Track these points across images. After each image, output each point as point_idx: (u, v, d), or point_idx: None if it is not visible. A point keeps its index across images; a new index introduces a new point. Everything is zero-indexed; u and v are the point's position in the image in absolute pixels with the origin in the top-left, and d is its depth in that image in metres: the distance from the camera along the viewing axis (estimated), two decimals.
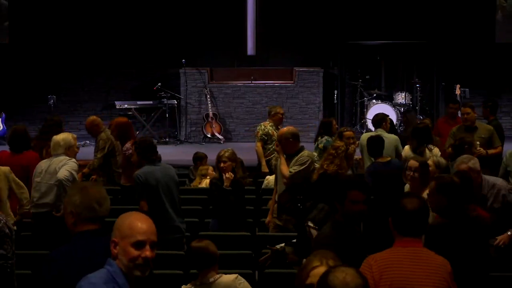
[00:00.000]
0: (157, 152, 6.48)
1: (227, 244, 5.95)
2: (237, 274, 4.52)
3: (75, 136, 6.74)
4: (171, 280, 5.27)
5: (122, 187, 7.83)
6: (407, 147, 7.92)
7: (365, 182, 4.21)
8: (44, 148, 7.68)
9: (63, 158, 6.47)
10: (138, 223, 2.92)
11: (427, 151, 7.64)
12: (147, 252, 2.88)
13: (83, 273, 3.00)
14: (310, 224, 5.14)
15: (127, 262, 2.89)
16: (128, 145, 7.70)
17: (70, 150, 6.49)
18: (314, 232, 5.13)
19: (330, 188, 4.84)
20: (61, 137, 6.56)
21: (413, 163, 5.71)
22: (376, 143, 7.33)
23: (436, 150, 7.68)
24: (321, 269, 2.82)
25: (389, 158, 7.42)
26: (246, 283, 4.50)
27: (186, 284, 4.55)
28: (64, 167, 6.36)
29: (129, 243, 2.88)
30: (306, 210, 5.52)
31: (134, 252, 2.88)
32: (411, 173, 5.65)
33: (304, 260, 3.51)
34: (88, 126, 8.63)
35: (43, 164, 6.55)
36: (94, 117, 8.88)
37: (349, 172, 7.26)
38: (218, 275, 4.43)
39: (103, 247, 3.09)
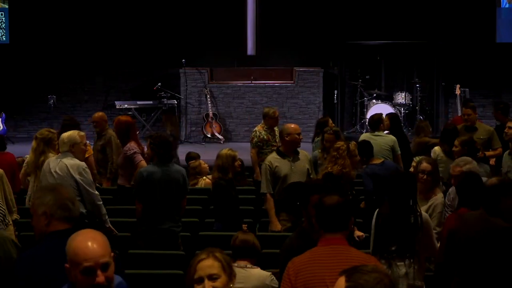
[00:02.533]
0: (171, 150, 6.41)
1: (228, 244, 5.94)
2: (271, 273, 4.59)
3: (82, 133, 6.56)
4: (171, 280, 5.27)
5: (119, 187, 7.79)
6: (437, 148, 7.67)
7: (328, 187, 4.19)
8: None
9: (72, 161, 6.29)
10: (83, 247, 2.68)
11: None
12: (99, 278, 2.66)
13: (53, 275, 2.99)
14: None
15: None
16: (129, 145, 7.64)
17: (75, 148, 6.37)
18: None
19: (295, 193, 4.86)
20: (66, 134, 6.48)
21: (426, 166, 5.73)
22: (363, 147, 7.30)
23: (481, 154, 7.61)
24: (209, 261, 2.82)
25: (382, 160, 7.44)
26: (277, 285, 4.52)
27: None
28: (82, 183, 6.21)
29: (78, 271, 2.67)
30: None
31: (85, 280, 2.66)
32: (424, 176, 5.68)
33: None
34: (98, 119, 8.77)
35: (51, 163, 6.39)
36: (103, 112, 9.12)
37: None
38: (253, 265, 4.56)
39: None
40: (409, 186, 4.82)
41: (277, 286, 4.50)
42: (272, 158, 6.83)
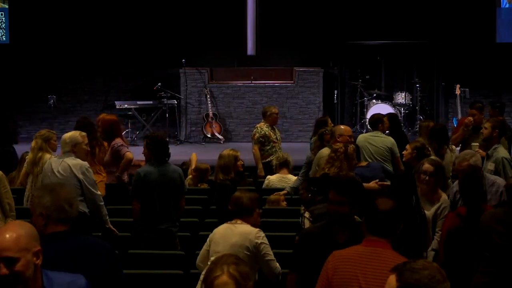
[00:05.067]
0: (167, 149, 6.38)
1: None
2: (259, 229, 4.76)
3: (83, 134, 6.57)
4: (171, 280, 5.27)
5: (106, 186, 7.72)
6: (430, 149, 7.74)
7: (344, 184, 4.13)
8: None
9: (75, 161, 6.29)
10: None
11: (448, 151, 7.62)
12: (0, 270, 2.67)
13: None
14: (306, 215, 5.20)
15: None
16: (116, 140, 7.63)
17: (77, 148, 6.38)
18: (306, 223, 5.20)
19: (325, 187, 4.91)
20: (68, 134, 6.48)
21: (428, 167, 5.66)
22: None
23: (482, 153, 7.58)
24: (223, 278, 2.82)
25: (368, 162, 7.52)
26: (265, 242, 4.71)
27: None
28: (85, 183, 6.20)
29: None
30: (314, 202, 5.54)
31: None
32: (426, 177, 5.63)
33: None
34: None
35: (53, 163, 6.36)
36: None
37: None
38: (239, 223, 4.79)
39: (68, 250, 3.08)
40: (408, 186, 4.83)
41: (263, 241, 4.69)
42: (325, 153, 6.98)
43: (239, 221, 4.82)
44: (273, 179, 8.26)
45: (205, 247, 4.89)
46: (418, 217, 4.77)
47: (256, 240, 4.68)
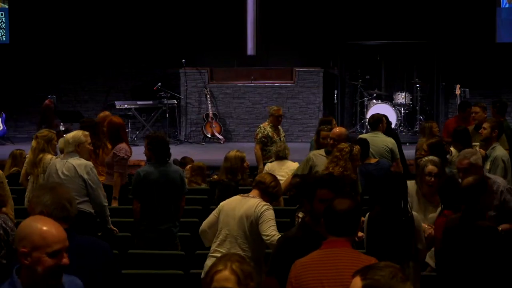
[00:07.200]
0: (168, 149, 6.38)
1: None
2: (261, 200, 4.98)
3: (86, 133, 6.56)
4: (171, 280, 5.28)
5: (103, 187, 7.70)
6: (453, 149, 7.56)
7: (335, 181, 4.17)
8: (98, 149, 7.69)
9: (79, 161, 6.29)
10: (50, 232, 2.77)
11: None
12: (65, 260, 2.77)
13: None
14: (300, 215, 5.20)
15: (42, 272, 2.74)
16: (121, 146, 7.56)
17: (80, 147, 6.37)
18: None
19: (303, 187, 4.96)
20: (71, 134, 6.47)
21: (433, 168, 5.61)
22: (360, 146, 7.29)
23: (482, 152, 7.59)
24: (225, 273, 2.81)
25: (377, 159, 7.46)
26: (269, 211, 4.94)
27: None
28: (90, 183, 6.21)
29: (44, 253, 2.74)
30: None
31: (51, 262, 2.74)
32: (431, 179, 5.58)
33: None
34: (102, 119, 8.69)
35: (57, 164, 6.34)
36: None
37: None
38: (251, 196, 5.08)
39: (68, 250, 3.07)
40: (399, 187, 4.79)
41: (266, 210, 4.91)
42: (317, 152, 7.12)
43: (251, 194, 5.07)
44: (271, 166, 8.22)
45: (214, 213, 5.16)
46: (404, 219, 4.71)
47: (259, 209, 4.91)
